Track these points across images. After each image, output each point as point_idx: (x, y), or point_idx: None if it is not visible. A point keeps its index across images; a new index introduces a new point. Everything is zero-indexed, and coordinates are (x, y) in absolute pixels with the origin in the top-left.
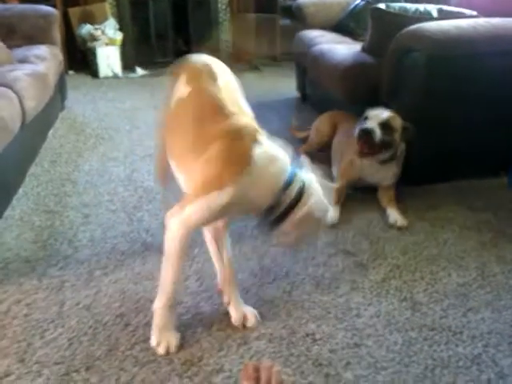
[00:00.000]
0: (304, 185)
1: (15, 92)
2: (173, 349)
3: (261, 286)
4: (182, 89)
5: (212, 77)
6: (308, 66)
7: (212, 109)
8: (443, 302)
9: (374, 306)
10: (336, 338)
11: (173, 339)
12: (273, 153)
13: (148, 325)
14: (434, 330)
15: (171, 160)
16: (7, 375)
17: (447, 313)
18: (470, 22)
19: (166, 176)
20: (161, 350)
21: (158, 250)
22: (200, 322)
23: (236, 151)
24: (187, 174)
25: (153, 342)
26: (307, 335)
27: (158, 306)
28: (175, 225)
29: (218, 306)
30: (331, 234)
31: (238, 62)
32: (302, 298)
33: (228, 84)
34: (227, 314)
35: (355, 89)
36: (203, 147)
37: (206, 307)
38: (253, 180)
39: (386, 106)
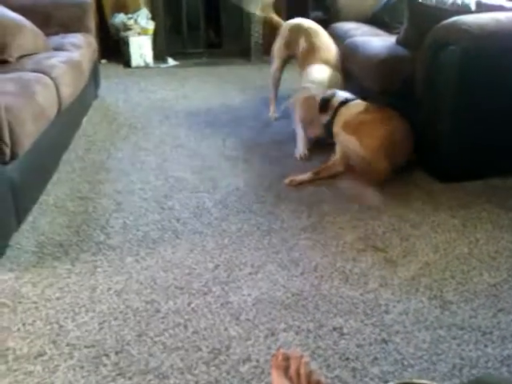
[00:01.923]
0: None
1: (52, 79)
2: None
3: (289, 278)
4: (303, 42)
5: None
6: (343, 58)
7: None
8: (473, 301)
9: (403, 303)
10: (364, 333)
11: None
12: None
13: (177, 312)
14: (463, 330)
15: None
16: (40, 355)
17: (477, 312)
18: (508, 16)
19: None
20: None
21: (189, 238)
22: (228, 311)
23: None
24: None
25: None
26: (334, 329)
27: None
28: None
29: (246, 296)
30: (361, 229)
31: (268, 54)
32: (331, 292)
33: (323, 37)
34: (255, 304)
35: (389, 81)
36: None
37: (234, 297)
38: None
39: (420, 100)
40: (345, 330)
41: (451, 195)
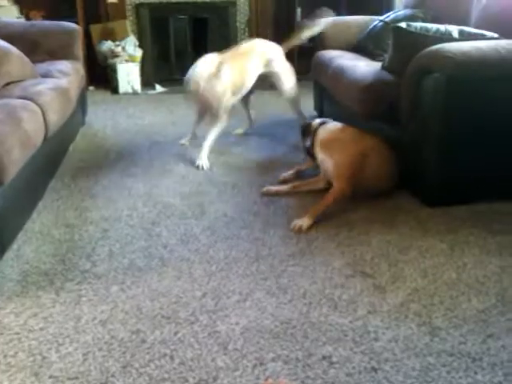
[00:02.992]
0: None
1: (38, 105)
2: None
3: (278, 306)
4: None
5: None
6: (327, 84)
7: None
8: (462, 327)
9: (393, 330)
10: (353, 361)
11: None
12: None
13: (163, 342)
14: (452, 356)
15: None
16: None
17: (466, 339)
18: (491, 44)
19: None
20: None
21: (176, 265)
22: (216, 341)
23: None
24: None
25: None
26: (324, 358)
27: None
28: None
29: (234, 325)
30: (349, 255)
31: None
32: (320, 320)
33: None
34: (243, 333)
35: (375, 106)
36: None
37: (222, 326)
38: None
39: (405, 125)
40: (334, 359)
41: (438, 220)
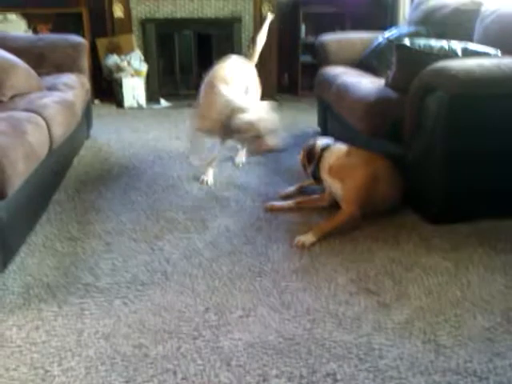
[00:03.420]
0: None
1: (44, 118)
2: None
3: (281, 321)
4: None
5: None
6: (331, 100)
7: None
8: (468, 345)
9: (397, 348)
10: (357, 379)
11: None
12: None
13: (166, 357)
14: (458, 375)
15: None
16: None
17: (472, 357)
18: (494, 62)
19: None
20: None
21: (179, 280)
22: (219, 356)
23: None
24: None
25: None
26: (328, 375)
27: None
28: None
29: (237, 341)
30: (353, 272)
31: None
32: (324, 337)
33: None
34: (247, 348)
35: (379, 124)
36: None
37: (225, 341)
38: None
39: (409, 143)
40: (338, 376)
41: (442, 237)
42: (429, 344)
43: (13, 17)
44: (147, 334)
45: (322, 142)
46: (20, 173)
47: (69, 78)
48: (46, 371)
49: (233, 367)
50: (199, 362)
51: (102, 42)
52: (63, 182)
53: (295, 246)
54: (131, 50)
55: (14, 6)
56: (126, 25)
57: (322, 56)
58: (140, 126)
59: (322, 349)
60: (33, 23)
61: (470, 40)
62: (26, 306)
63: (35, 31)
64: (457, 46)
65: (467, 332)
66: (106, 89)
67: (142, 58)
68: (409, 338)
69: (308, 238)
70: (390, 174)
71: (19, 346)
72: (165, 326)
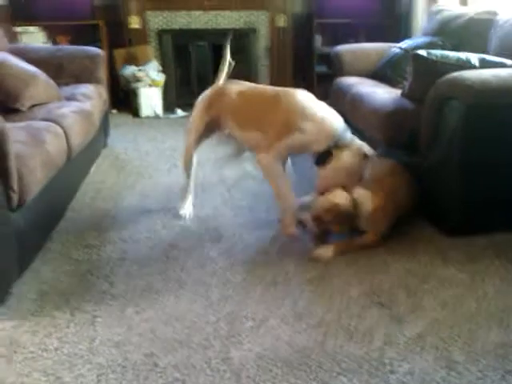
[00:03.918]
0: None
1: (62, 128)
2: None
3: (292, 333)
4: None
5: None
6: (346, 110)
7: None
8: (480, 362)
9: (409, 363)
10: None
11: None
12: (323, 112)
13: (176, 367)
14: None
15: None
16: None
17: (484, 374)
18: (510, 72)
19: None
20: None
21: (192, 288)
22: (229, 368)
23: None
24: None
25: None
26: None
27: (285, 208)
28: (269, 156)
29: (248, 352)
30: (367, 283)
31: None
32: (335, 350)
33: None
34: (257, 360)
35: (395, 134)
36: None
37: (236, 352)
38: (309, 130)
39: (426, 153)
40: None
41: (458, 249)
42: (441, 360)
43: (33, 29)
44: (158, 342)
45: None
46: (38, 181)
47: (87, 89)
48: (58, 378)
49: (242, 379)
50: (209, 372)
51: (119, 53)
52: (80, 189)
53: (311, 258)
54: (148, 60)
55: (35, 18)
56: (142, 36)
57: (336, 66)
58: (156, 135)
59: (332, 362)
60: (52, 35)
61: (485, 50)
62: (39, 313)
63: (55, 43)
64: (473, 56)
65: (480, 348)
66: (123, 99)
67: (160, 68)
68: (420, 352)
69: (327, 253)
70: (408, 184)
71: (32, 352)
72: (176, 335)
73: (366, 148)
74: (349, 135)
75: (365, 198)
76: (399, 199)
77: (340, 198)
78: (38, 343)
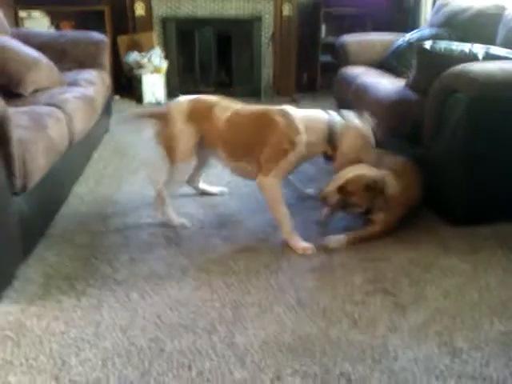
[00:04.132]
0: (343, 126)
1: (65, 113)
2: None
3: (296, 320)
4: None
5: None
6: (350, 100)
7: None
8: (484, 350)
9: (412, 350)
10: (371, 380)
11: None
12: (308, 115)
13: (182, 351)
14: (474, 379)
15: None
16: None
17: (488, 361)
18: None
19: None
20: (308, 250)
21: (195, 275)
22: (233, 353)
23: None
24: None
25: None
26: (342, 375)
27: (287, 231)
28: (270, 180)
29: (252, 338)
30: (370, 271)
31: (278, 94)
32: (338, 337)
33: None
34: (262, 346)
35: (399, 124)
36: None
37: (240, 338)
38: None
39: (429, 144)
40: (352, 377)
41: (461, 239)
42: (445, 347)
43: (37, 14)
44: (163, 327)
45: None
46: (40, 166)
47: (90, 74)
48: (64, 361)
49: (247, 364)
50: (214, 357)
51: (122, 39)
52: (83, 175)
53: (321, 245)
54: (151, 47)
55: (38, 3)
56: (146, 23)
57: (342, 56)
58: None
59: (336, 349)
60: (56, 20)
61: (493, 44)
62: (45, 297)
63: (58, 28)
64: (478, 49)
65: (484, 335)
66: (126, 85)
67: (163, 55)
68: (424, 340)
69: (338, 242)
70: (415, 177)
71: (39, 336)
72: (181, 320)
73: (361, 118)
74: (338, 118)
75: (391, 179)
76: (411, 197)
77: (366, 169)
78: (45, 327)
